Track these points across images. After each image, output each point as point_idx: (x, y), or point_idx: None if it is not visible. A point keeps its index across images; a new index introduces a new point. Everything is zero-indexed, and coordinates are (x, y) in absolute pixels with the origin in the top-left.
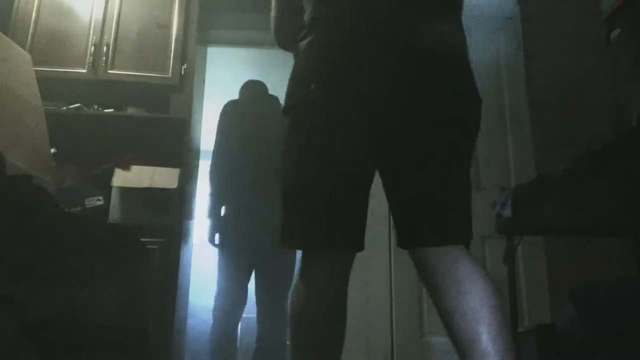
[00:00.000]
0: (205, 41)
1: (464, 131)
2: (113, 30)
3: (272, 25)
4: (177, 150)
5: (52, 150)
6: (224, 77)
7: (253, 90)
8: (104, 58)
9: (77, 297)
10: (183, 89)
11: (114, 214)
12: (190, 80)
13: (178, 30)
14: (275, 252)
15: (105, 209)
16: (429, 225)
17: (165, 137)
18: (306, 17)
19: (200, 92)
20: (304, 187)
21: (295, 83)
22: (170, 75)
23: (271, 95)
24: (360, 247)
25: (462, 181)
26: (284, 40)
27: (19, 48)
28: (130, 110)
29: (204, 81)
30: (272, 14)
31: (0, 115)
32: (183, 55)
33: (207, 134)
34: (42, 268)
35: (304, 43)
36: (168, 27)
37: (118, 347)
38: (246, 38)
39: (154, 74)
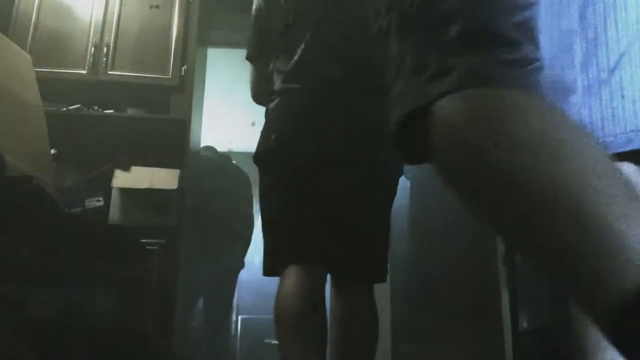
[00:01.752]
0: (206, 42)
1: (388, 193)
2: (113, 31)
3: (250, 87)
4: (177, 150)
5: (52, 151)
6: (224, 78)
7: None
8: (104, 59)
9: (76, 297)
10: (183, 89)
11: (114, 214)
12: (190, 81)
13: (178, 31)
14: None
15: (105, 209)
16: (362, 267)
17: (165, 138)
18: (276, 87)
19: (200, 93)
20: (272, 217)
21: (262, 136)
22: (170, 76)
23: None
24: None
25: (385, 232)
26: (258, 99)
27: (19, 49)
28: (131, 111)
29: (204, 82)
30: (250, 78)
31: (0, 116)
32: (183, 56)
33: (207, 134)
34: (42, 268)
35: (272, 104)
36: (168, 27)
37: (118, 348)
38: (246, 39)
39: (154, 74)
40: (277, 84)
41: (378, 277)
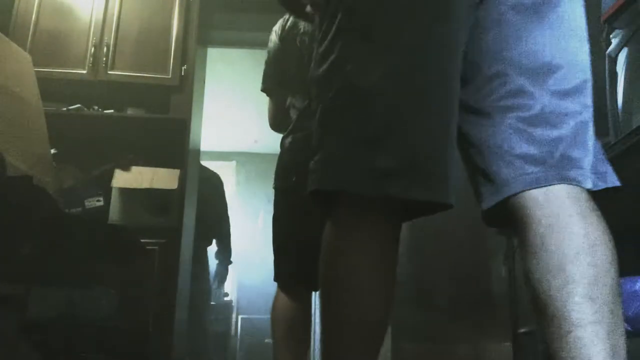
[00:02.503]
0: (206, 42)
1: None
2: (113, 30)
3: (268, 116)
4: (177, 150)
5: (52, 151)
6: (224, 77)
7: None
8: (104, 59)
9: (76, 297)
10: (183, 89)
11: (114, 214)
12: (191, 81)
13: (178, 30)
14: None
15: (105, 209)
16: None
17: (165, 138)
18: (292, 121)
19: (200, 92)
20: (280, 241)
21: (281, 171)
22: (170, 76)
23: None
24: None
25: None
26: (275, 128)
27: (19, 48)
28: (131, 111)
29: (204, 82)
30: (268, 107)
31: (1, 116)
32: (183, 56)
33: (207, 134)
34: (42, 268)
35: (288, 140)
36: (168, 27)
37: (118, 348)
38: (246, 39)
39: (154, 74)
40: (293, 119)
41: None
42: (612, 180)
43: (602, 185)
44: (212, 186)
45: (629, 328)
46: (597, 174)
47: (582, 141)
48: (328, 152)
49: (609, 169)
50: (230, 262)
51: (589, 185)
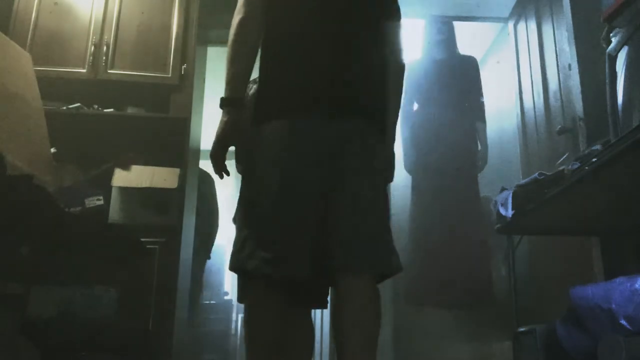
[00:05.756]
0: (205, 41)
1: None
2: (113, 30)
3: None
4: (177, 150)
5: (52, 150)
6: (224, 76)
7: None
8: (104, 58)
9: (77, 296)
10: (183, 88)
11: (114, 213)
12: (191, 80)
13: (178, 30)
14: None
15: (105, 208)
16: None
17: (165, 137)
18: None
19: (200, 91)
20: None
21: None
22: (170, 75)
23: None
24: None
25: None
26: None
27: (19, 48)
28: (130, 110)
29: (204, 81)
30: None
31: (1, 115)
32: (183, 55)
33: (207, 133)
34: (42, 267)
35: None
36: (168, 26)
37: (118, 347)
38: None
39: (154, 73)
40: None
41: None
42: None
43: None
44: (203, 185)
45: (629, 327)
46: None
47: None
48: (234, 247)
49: None
50: (209, 257)
51: None
